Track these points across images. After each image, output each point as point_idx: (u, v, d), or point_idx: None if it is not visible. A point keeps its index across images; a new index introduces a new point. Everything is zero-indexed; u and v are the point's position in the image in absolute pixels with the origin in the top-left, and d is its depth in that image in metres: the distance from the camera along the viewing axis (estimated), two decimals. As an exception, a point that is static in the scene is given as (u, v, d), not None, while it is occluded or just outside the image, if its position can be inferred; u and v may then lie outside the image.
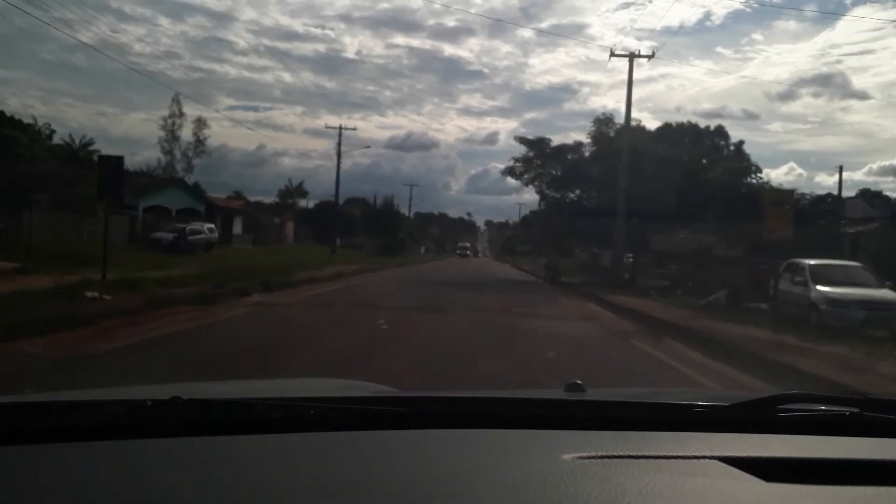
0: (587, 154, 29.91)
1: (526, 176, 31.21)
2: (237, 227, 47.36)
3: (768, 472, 1.08)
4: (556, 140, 30.45)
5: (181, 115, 66.27)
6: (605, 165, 27.43)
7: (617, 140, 27.82)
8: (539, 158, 30.29)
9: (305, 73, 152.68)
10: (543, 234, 30.92)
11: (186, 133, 54.47)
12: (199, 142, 67.63)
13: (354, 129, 41.53)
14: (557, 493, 0.99)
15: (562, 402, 1.55)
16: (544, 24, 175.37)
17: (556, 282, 28.98)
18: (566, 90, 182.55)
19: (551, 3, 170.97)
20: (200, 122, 65.30)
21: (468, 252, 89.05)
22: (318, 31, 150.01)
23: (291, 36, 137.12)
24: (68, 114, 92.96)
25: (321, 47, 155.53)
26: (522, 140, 30.71)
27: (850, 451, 1.26)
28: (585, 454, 1.15)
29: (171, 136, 66.99)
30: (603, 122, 29.80)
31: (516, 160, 30.79)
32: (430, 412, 1.40)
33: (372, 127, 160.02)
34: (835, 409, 1.45)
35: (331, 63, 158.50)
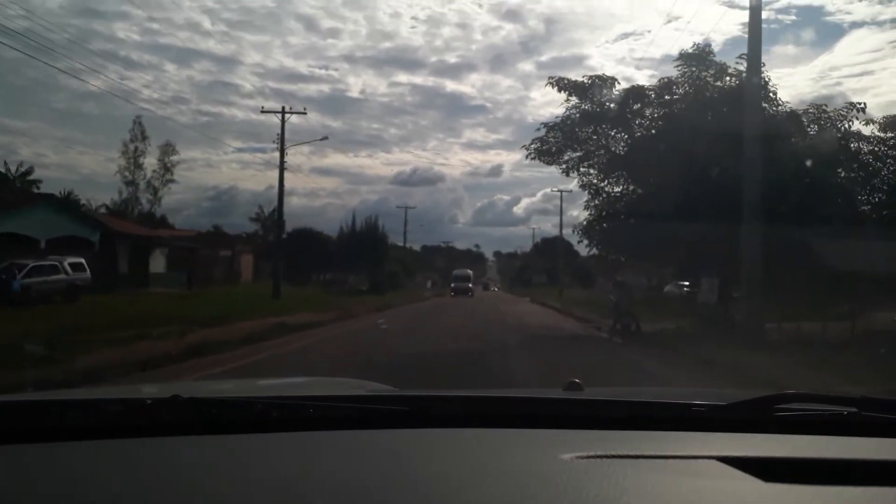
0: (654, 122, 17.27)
1: (567, 156, 18.35)
2: (157, 264, 34.76)
3: (767, 472, 1.07)
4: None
5: (143, 139, 56.74)
6: (707, 134, 14.94)
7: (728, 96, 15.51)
8: (590, 123, 17.50)
9: (311, 114, 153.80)
10: (602, 248, 17.75)
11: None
12: (167, 169, 57.70)
13: (304, 111, 27.62)
14: (556, 493, 0.99)
15: (561, 402, 1.55)
16: (544, 58, 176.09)
17: (634, 332, 16.22)
18: None
19: (551, 36, 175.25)
20: (168, 147, 55.69)
21: (469, 284, 55.87)
22: (323, 71, 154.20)
23: (296, 77, 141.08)
24: (80, 161, 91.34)
25: (325, 87, 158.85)
26: (564, 84, 17.20)
27: (848, 451, 1.25)
28: (584, 453, 1.14)
29: (134, 164, 57.02)
30: (697, 58, 17.21)
31: (551, 127, 17.93)
32: (430, 411, 1.40)
33: (378, 164, 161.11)
34: (833, 408, 1.43)
35: (336, 103, 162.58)
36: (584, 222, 19.32)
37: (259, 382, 2.62)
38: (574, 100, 17.32)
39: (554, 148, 18.08)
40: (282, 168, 26.66)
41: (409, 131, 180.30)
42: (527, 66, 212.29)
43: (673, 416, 1.44)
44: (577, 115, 17.40)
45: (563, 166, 18.43)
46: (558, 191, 57.71)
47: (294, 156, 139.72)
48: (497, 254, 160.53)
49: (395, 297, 36.81)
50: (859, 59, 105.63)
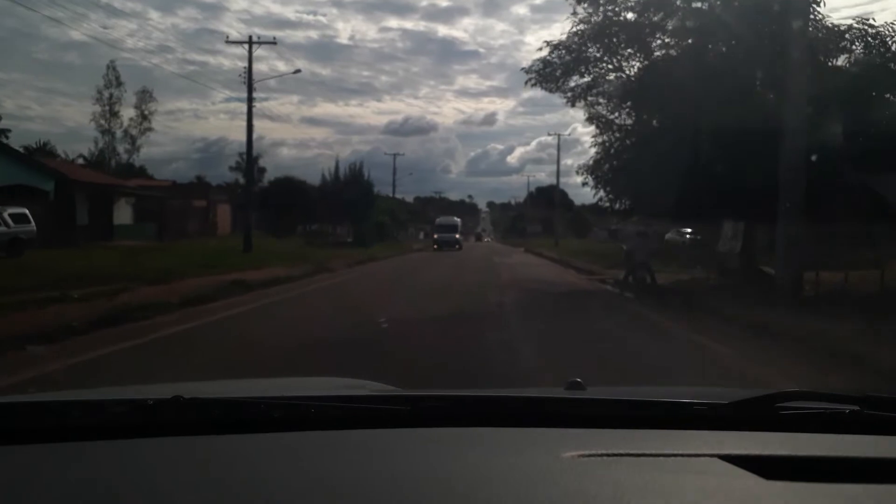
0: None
1: (574, 82, 15.68)
2: (123, 215, 32.18)
3: (768, 470, 1.07)
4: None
5: (118, 85, 53.83)
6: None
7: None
8: (602, 40, 14.72)
9: (300, 62, 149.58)
10: (610, 189, 15.13)
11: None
12: (145, 117, 55.01)
13: (273, 41, 24.33)
14: (558, 491, 0.99)
15: (562, 400, 1.54)
16: (538, 0, 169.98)
17: (650, 285, 13.92)
18: None
19: None
20: (145, 94, 52.69)
21: (456, 235, 45.65)
22: (311, 17, 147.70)
23: (283, 24, 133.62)
24: (64, 113, 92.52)
25: (314, 34, 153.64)
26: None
27: (850, 449, 1.24)
28: (585, 452, 1.14)
29: (109, 112, 54.41)
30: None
31: (556, 45, 15.11)
32: (431, 411, 1.40)
33: (369, 113, 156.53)
34: (834, 406, 1.41)
35: (325, 50, 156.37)
36: (591, 161, 16.85)
37: (261, 382, 2.51)
38: (583, 8, 14.54)
39: (559, 71, 15.41)
40: (250, 106, 23.76)
41: (401, 79, 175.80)
42: (521, 10, 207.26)
43: (675, 415, 1.42)
44: (587, 29, 14.64)
45: (569, 94, 15.81)
46: (555, 135, 54.55)
47: (283, 105, 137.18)
48: (490, 204, 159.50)
49: (381, 250, 34.34)
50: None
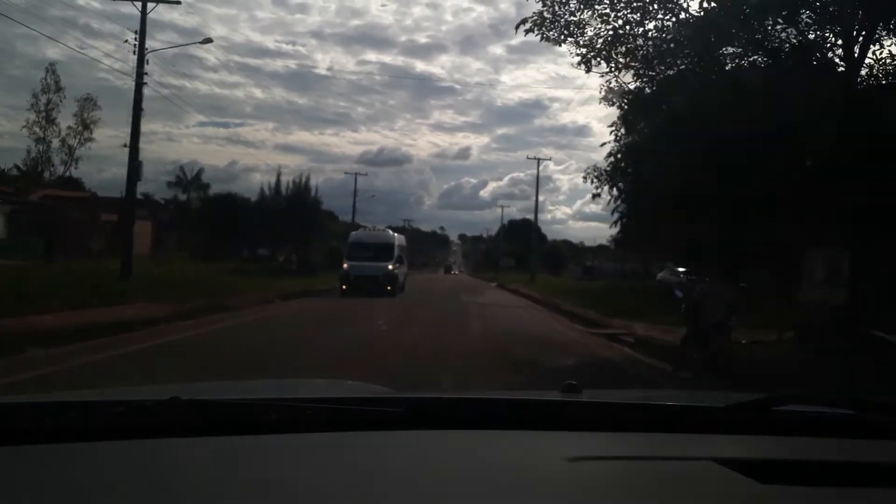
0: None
1: (592, 30, 9.98)
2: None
3: (764, 474, 1.06)
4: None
5: (57, 90, 47.72)
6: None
7: None
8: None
9: (277, 90, 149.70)
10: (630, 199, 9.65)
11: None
12: (85, 126, 48.86)
13: (178, 1, 18.11)
14: (553, 494, 0.98)
15: (559, 403, 1.52)
16: (514, 42, 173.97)
17: (723, 367, 7.92)
18: (537, 106, 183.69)
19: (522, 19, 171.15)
20: (88, 102, 46.70)
21: (389, 266, 23.97)
22: (290, 47, 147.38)
23: (262, 52, 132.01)
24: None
25: (292, 63, 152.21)
26: None
27: (845, 453, 1.24)
28: (582, 455, 1.13)
29: (46, 118, 48.02)
30: None
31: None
32: (428, 413, 1.39)
33: (344, 143, 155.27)
34: (829, 410, 1.41)
35: (302, 79, 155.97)
36: (609, 164, 11.53)
37: (258, 384, 2.49)
38: None
39: (573, 16, 9.76)
40: (139, 81, 17.57)
41: (377, 110, 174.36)
42: (497, 50, 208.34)
43: (670, 418, 1.42)
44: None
45: (582, 51, 10.09)
46: (535, 158, 49.05)
47: (257, 131, 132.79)
48: (462, 236, 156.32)
49: (329, 280, 27.47)
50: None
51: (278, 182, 37.62)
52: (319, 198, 38.37)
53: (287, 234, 35.91)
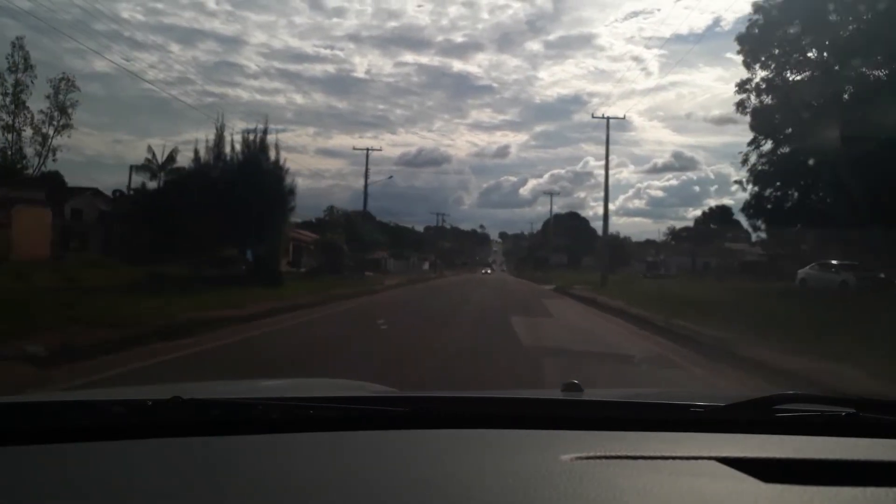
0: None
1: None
2: None
3: (765, 473, 1.07)
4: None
5: (27, 69, 41.57)
6: None
7: None
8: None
9: (317, 94, 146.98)
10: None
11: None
12: (62, 111, 42.32)
13: None
14: (555, 493, 0.98)
15: (560, 402, 1.55)
16: (552, 37, 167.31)
17: None
18: (576, 101, 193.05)
19: (559, 15, 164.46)
20: (64, 82, 40.38)
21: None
22: (328, 51, 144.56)
23: (301, 58, 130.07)
24: (85, 142, 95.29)
25: (331, 68, 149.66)
26: None
27: (847, 452, 1.24)
28: (583, 454, 1.14)
29: (15, 101, 41.82)
30: None
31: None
32: (430, 412, 1.39)
33: (384, 144, 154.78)
34: (831, 409, 1.42)
35: (341, 83, 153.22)
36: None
37: (260, 384, 2.48)
38: None
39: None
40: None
41: (415, 112, 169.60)
42: (534, 46, 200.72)
43: (672, 417, 1.43)
44: None
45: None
46: (603, 117, 36.16)
47: (298, 137, 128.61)
48: (503, 234, 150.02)
49: (299, 293, 17.52)
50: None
51: (218, 141, 22.96)
52: (285, 164, 23.81)
53: (238, 220, 21.40)
